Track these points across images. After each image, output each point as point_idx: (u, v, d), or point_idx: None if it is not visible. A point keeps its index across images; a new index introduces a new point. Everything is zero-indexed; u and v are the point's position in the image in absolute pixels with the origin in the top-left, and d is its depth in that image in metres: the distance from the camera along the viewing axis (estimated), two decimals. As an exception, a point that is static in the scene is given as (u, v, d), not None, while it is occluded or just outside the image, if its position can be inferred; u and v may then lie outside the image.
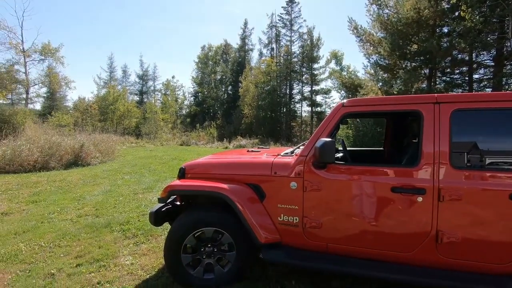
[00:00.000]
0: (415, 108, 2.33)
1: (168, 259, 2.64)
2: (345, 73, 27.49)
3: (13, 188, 6.68)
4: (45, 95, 30.96)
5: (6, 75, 22.21)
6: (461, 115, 2.20)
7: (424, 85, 14.46)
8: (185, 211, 2.80)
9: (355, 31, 16.10)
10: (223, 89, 38.53)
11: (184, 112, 40.01)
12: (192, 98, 40.66)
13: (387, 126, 3.84)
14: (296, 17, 32.06)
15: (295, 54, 31.58)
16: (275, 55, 33.32)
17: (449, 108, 2.21)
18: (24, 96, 26.36)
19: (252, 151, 3.36)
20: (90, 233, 3.98)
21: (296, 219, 2.46)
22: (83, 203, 5.46)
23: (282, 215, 2.50)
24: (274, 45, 33.88)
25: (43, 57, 25.46)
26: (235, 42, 43.40)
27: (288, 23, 32.28)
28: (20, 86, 25.45)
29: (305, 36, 30.50)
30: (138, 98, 39.62)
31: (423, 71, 14.67)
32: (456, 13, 12.51)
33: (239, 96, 30.67)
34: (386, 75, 16.39)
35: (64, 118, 22.24)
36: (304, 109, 32.62)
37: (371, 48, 15.98)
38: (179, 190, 2.76)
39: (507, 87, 13.12)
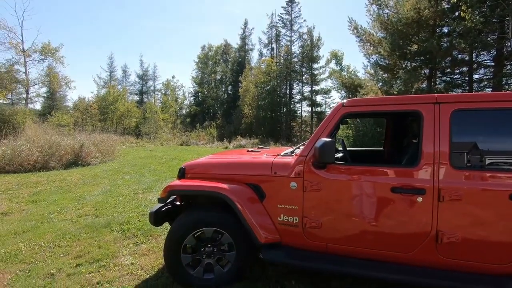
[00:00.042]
0: (415, 108, 2.32)
1: (168, 259, 2.64)
2: (345, 73, 27.49)
3: (13, 188, 6.68)
4: (45, 95, 31.00)
5: (6, 75, 22.19)
6: (461, 115, 2.20)
7: (424, 85, 14.47)
8: (185, 211, 2.80)
9: (355, 31, 16.10)
10: (223, 89, 38.52)
11: (184, 112, 40.02)
12: (192, 98, 40.69)
13: (387, 126, 3.84)
14: (296, 17, 32.10)
15: (295, 54, 31.59)
16: (275, 55, 33.32)
17: (449, 108, 2.21)
18: (24, 96, 26.37)
19: (252, 151, 3.35)
20: (90, 233, 3.98)
21: (296, 219, 2.46)
22: (83, 203, 5.46)
23: (282, 215, 2.50)
24: (274, 45, 33.91)
25: (43, 57, 25.45)
26: (235, 42, 43.46)
27: (288, 23, 32.30)
28: (20, 86, 25.44)
29: (305, 36, 30.54)
30: (138, 98, 39.63)
31: (423, 71, 14.67)
32: (456, 13, 12.51)
33: (239, 96, 30.67)
34: (386, 75, 16.39)
35: (64, 118, 22.22)
36: (304, 109, 32.72)
37: (371, 48, 15.98)
38: (179, 190, 2.76)
39: (507, 87, 13.12)
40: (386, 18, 14.56)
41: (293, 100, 32.20)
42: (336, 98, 31.01)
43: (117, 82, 38.17)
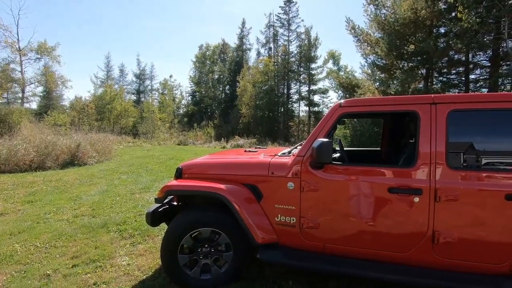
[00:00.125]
0: (412, 109, 2.33)
1: (165, 260, 2.63)
2: (342, 73, 27.53)
3: (9, 188, 6.62)
4: (41, 94, 30.82)
5: (1, 73, 22.03)
6: (457, 115, 2.21)
7: (421, 85, 14.54)
8: (182, 211, 2.79)
9: (352, 31, 16.14)
10: (221, 89, 38.47)
11: (181, 111, 39.93)
12: (189, 98, 40.62)
13: (384, 126, 3.86)
14: (294, 16, 32.08)
15: (292, 54, 31.59)
16: (272, 54, 33.32)
17: (446, 108, 2.22)
18: (20, 95, 26.23)
19: (250, 151, 3.35)
20: (87, 234, 3.96)
21: (293, 220, 2.46)
22: (79, 203, 5.42)
23: (279, 215, 2.50)
24: (272, 45, 33.91)
25: (39, 56, 25.32)
26: (233, 42, 43.40)
27: (285, 22, 32.29)
28: (16, 85, 25.26)
29: (303, 36, 30.51)
30: (135, 98, 39.52)
31: (420, 71, 14.75)
32: (453, 14, 12.59)
33: (237, 95, 30.64)
34: (383, 75, 16.45)
35: (61, 117, 22.06)
36: (301, 109, 32.73)
37: (369, 48, 16.03)
38: (176, 190, 2.75)
39: (503, 87, 13.23)
40: (383, 18, 14.62)
41: (290, 99, 32.22)
42: (333, 98, 31.10)
43: (114, 81, 38.14)
